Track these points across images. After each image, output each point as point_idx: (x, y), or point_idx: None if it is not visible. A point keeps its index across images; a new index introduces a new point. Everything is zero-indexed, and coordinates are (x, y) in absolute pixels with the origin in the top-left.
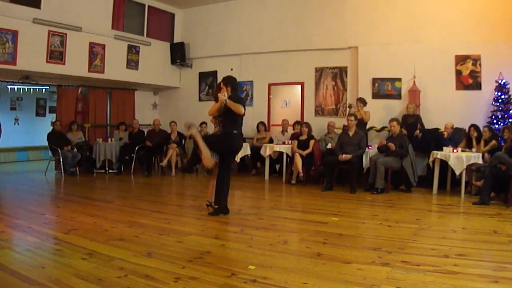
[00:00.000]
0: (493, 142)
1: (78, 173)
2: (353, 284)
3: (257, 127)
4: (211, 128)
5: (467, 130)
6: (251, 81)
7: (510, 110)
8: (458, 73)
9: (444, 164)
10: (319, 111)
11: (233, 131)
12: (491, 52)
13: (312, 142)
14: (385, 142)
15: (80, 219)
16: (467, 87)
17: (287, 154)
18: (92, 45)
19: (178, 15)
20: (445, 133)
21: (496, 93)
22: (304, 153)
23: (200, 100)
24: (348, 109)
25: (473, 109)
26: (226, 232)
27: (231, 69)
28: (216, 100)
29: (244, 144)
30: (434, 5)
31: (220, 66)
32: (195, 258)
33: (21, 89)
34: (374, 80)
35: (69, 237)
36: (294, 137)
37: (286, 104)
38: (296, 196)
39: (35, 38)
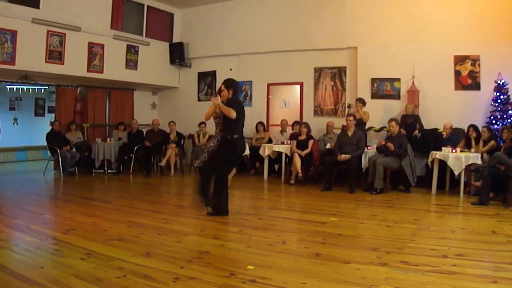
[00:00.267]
0: (492, 142)
1: (77, 173)
2: (351, 284)
3: (256, 127)
4: (210, 129)
5: (466, 131)
6: (250, 81)
7: (509, 110)
8: (457, 73)
9: (443, 164)
10: (318, 111)
11: (233, 136)
12: (490, 52)
13: (311, 142)
14: (384, 142)
15: (79, 219)
16: (466, 87)
17: (286, 154)
18: (91, 45)
19: (177, 15)
20: (444, 133)
21: (495, 93)
22: (303, 153)
23: (199, 100)
24: (347, 109)
25: (472, 110)
26: (225, 232)
27: (230, 69)
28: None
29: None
30: (433, 5)
31: (219, 66)
32: (194, 258)
33: (20, 89)
34: (373, 80)
35: (68, 237)
36: (293, 137)
37: (285, 104)
38: (295, 196)
39: (34, 38)
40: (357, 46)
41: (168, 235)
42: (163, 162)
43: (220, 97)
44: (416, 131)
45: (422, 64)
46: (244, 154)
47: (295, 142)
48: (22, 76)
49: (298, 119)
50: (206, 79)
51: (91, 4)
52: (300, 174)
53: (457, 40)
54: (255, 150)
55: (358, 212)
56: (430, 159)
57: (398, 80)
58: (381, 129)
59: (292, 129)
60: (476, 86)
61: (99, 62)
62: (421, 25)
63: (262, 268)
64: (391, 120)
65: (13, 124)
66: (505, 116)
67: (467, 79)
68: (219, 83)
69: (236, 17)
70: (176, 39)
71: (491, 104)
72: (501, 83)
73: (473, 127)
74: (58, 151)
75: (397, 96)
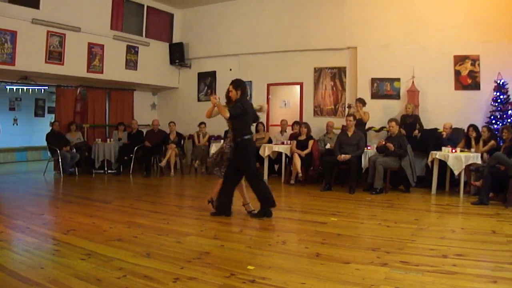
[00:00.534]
0: (492, 142)
1: (77, 173)
2: (351, 284)
3: (256, 127)
4: (209, 129)
5: (466, 130)
6: (250, 81)
7: (509, 110)
8: (457, 73)
9: (443, 164)
10: (318, 111)
11: (243, 137)
12: (490, 52)
13: (311, 142)
14: (384, 142)
15: (79, 220)
16: (466, 87)
17: (286, 154)
18: (91, 46)
19: (177, 16)
20: (444, 133)
21: (495, 93)
22: (303, 153)
23: (199, 100)
24: (347, 109)
25: (472, 109)
26: (225, 232)
27: (230, 70)
28: (228, 100)
29: None
30: (433, 5)
31: (219, 67)
32: (194, 258)
33: (20, 90)
34: (373, 80)
35: (68, 237)
36: (293, 137)
37: (285, 104)
38: (295, 196)
39: (34, 38)
40: (357, 46)
41: (168, 236)
42: (163, 163)
43: (228, 97)
44: (416, 131)
45: (422, 64)
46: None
47: (295, 142)
48: (22, 76)
49: (298, 119)
50: (206, 79)
51: (91, 4)
52: (300, 174)
53: (457, 40)
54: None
55: (358, 212)
56: (430, 159)
57: (398, 80)
58: (381, 129)
59: (292, 129)
60: (476, 86)
61: (99, 63)
62: (421, 25)
63: (262, 268)
64: (391, 120)
65: (13, 124)
66: (505, 116)
67: (467, 79)
68: (219, 84)
69: (236, 17)
70: (176, 39)
71: (491, 104)
72: (501, 83)
73: (473, 127)
74: (58, 151)
75: (397, 96)
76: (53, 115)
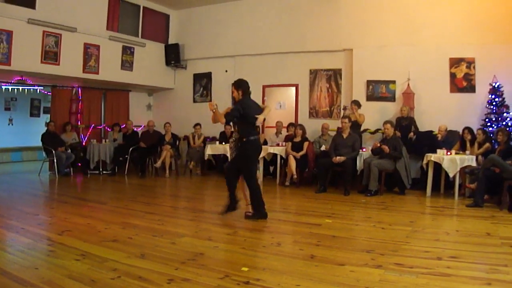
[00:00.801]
0: (487, 144)
1: (72, 174)
2: (346, 286)
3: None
4: (204, 130)
5: (461, 133)
6: None
7: (504, 113)
8: (452, 75)
9: (438, 167)
10: (313, 113)
11: (249, 138)
12: (485, 55)
13: (306, 144)
14: (379, 145)
15: (74, 220)
16: (461, 89)
17: (281, 156)
18: (86, 46)
19: (173, 17)
20: (439, 135)
21: (490, 96)
22: (298, 155)
23: (194, 101)
24: (342, 111)
25: (467, 112)
26: (219, 233)
27: (226, 71)
28: (234, 101)
29: None
30: (429, 7)
31: (214, 68)
32: (188, 259)
33: (16, 90)
34: (369, 82)
35: (63, 238)
36: (288, 139)
37: (281, 106)
38: (290, 198)
39: (30, 38)
40: (353, 48)
41: (162, 237)
42: (158, 164)
43: (233, 98)
44: (411, 134)
45: (418, 67)
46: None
47: (290, 144)
48: (18, 76)
49: (293, 121)
50: (202, 80)
51: (87, 5)
52: (295, 176)
53: (453, 42)
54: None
55: (352, 214)
56: (425, 161)
57: (393, 82)
58: (376, 131)
59: (287, 131)
60: (471, 88)
61: (95, 63)
62: (417, 27)
63: (256, 269)
64: (386, 122)
65: (9, 124)
66: (500, 118)
67: (462, 81)
68: (214, 85)
69: (231, 18)
70: (171, 40)
71: (486, 107)
72: (496, 86)
73: (468, 129)
74: (53, 152)
75: (392, 98)
76: (48, 115)
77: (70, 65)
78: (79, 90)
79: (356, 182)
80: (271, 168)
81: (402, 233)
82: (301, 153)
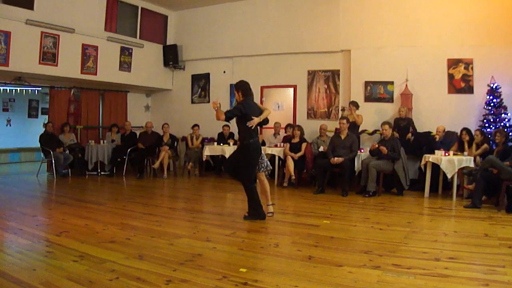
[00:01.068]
0: (485, 145)
1: (70, 175)
2: (344, 287)
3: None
4: (203, 131)
5: (459, 134)
6: None
7: (502, 114)
8: (450, 76)
9: (436, 168)
10: (312, 114)
11: (249, 141)
12: (483, 56)
13: (304, 145)
14: (377, 145)
15: (72, 221)
16: (459, 90)
17: (279, 157)
18: (85, 47)
19: (171, 17)
20: (437, 136)
21: (488, 96)
22: (296, 156)
23: (192, 102)
24: (341, 112)
25: (465, 113)
26: (217, 234)
27: (224, 72)
28: (238, 103)
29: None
30: (427, 9)
31: (212, 69)
32: (187, 260)
33: (14, 90)
34: (367, 83)
35: (61, 239)
36: (286, 140)
37: (279, 107)
38: (288, 199)
39: (28, 39)
40: (351, 49)
41: (160, 238)
42: (156, 165)
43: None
44: (409, 134)
45: (416, 68)
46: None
47: (288, 145)
48: (16, 77)
49: (291, 122)
50: (200, 81)
51: (85, 5)
52: (293, 177)
53: (451, 43)
54: None
55: (350, 215)
56: (423, 162)
57: (392, 83)
58: (374, 132)
59: (285, 132)
60: (469, 89)
61: (93, 64)
62: (415, 28)
63: (254, 271)
64: (384, 123)
65: (7, 125)
66: (498, 119)
67: (460, 82)
68: (212, 86)
69: (230, 19)
70: (170, 41)
71: (484, 108)
72: (494, 87)
73: (466, 130)
74: (51, 153)
75: (390, 99)
76: (46, 116)
77: (68, 66)
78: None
79: (354, 183)
80: None
81: (400, 234)
82: (299, 154)
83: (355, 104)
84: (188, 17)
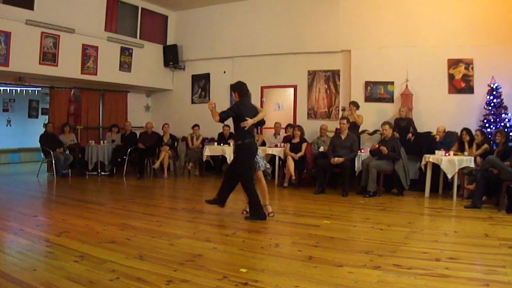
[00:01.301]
0: (485, 145)
1: (70, 175)
2: (344, 287)
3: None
4: (203, 131)
5: (459, 134)
6: None
7: (502, 114)
8: (451, 77)
9: (436, 168)
10: (312, 114)
11: (244, 141)
12: (484, 56)
13: (304, 145)
14: (377, 146)
15: (72, 222)
16: (459, 91)
17: (279, 157)
18: (85, 47)
19: (171, 18)
20: (437, 136)
21: (488, 97)
22: (297, 156)
23: (192, 102)
24: (341, 112)
25: (465, 113)
26: (217, 235)
27: (224, 72)
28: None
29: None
30: (427, 9)
31: (213, 69)
32: (187, 261)
33: (14, 91)
34: (367, 83)
35: (61, 239)
36: (286, 140)
37: (279, 107)
38: (288, 199)
39: (28, 39)
40: (351, 49)
41: (161, 238)
42: (156, 165)
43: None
44: (410, 135)
45: (416, 68)
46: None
47: (288, 145)
48: (16, 77)
49: (291, 122)
50: (200, 81)
51: (85, 6)
52: (293, 177)
53: (451, 43)
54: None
55: (351, 215)
56: (423, 163)
57: (392, 83)
58: (375, 132)
59: (286, 132)
60: (469, 89)
61: (93, 64)
62: (415, 28)
63: (254, 271)
64: (384, 123)
65: (7, 125)
66: (498, 119)
67: (460, 82)
68: (212, 86)
69: (230, 20)
70: (170, 41)
71: (485, 108)
72: (494, 87)
73: (466, 130)
74: (52, 153)
75: (390, 100)
76: (46, 117)
77: (68, 66)
78: (77, 91)
79: (354, 183)
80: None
81: (401, 234)
82: (299, 154)
83: (355, 104)
84: (188, 17)
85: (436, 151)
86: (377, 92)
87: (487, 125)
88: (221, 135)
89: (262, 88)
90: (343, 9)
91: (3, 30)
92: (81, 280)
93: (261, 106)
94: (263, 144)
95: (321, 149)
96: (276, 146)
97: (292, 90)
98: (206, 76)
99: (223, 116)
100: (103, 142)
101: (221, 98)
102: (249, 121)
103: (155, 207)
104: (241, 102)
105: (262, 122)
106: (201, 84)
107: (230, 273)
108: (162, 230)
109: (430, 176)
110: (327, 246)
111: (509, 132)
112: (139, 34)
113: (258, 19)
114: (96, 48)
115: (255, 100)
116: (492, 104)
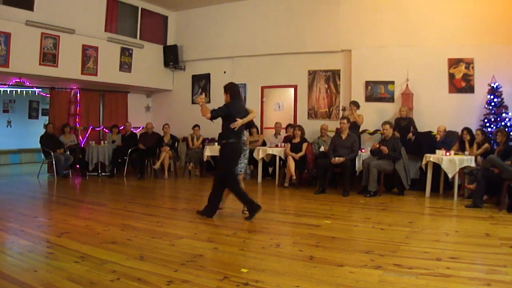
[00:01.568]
0: (486, 145)
1: (70, 176)
2: (345, 287)
3: (250, 130)
4: (203, 132)
5: (460, 133)
6: (244, 84)
7: (503, 113)
8: (451, 76)
9: (437, 167)
10: (312, 114)
11: (228, 140)
12: (484, 55)
13: (305, 145)
14: (378, 145)
15: (73, 222)
16: (460, 90)
17: (280, 157)
18: (85, 48)
19: (171, 18)
20: (438, 136)
21: (489, 96)
22: (297, 156)
23: (193, 102)
24: (341, 112)
25: (466, 112)
26: (218, 235)
27: (224, 72)
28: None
29: None
30: (427, 8)
31: (213, 69)
32: (188, 261)
33: (14, 92)
34: (367, 83)
35: (62, 240)
36: (287, 140)
37: (279, 107)
38: (289, 199)
39: (28, 40)
40: (351, 49)
41: (161, 238)
42: (157, 165)
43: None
44: (410, 134)
45: (416, 67)
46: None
47: (289, 145)
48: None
49: (292, 122)
50: (200, 81)
51: (85, 6)
52: (294, 177)
53: (451, 43)
54: (249, 153)
55: (352, 215)
56: (424, 162)
57: (392, 83)
58: (375, 132)
59: (286, 132)
60: (470, 89)
61: (93, 65)
62: (415, 28)
63: (255, 271)
64: (385, 123)
65: (7, 126)
66: (498, 119)
67: (461, 82)
68: (213, 86)
69: (230, 20)
70: (170, 41)
71: (485, 107)
72: (495, 86)
73: (467, 130)
74: (52, 154)
75: (391, 99)
76: (47, 117)
77: (69, 67)
78: (78, 91)
79: (355, 183)
80: (270, 169)
81: (402, 234)
82: (300, 154)
83: (355, 104)
84: (188, 18)
85: (437, 151)
86: (377, 91)
87: (487, 124)
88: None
89: (263, 88)
90: (343, 9)
91: (3, 31)
92: (82, 280)
93: (262, 106)
94: (264, 144)
95: (322, 149)
96: (277, 146)
97: (292, 90)
98: (207, 76)
99: (214, 114)
100: (104, 143)
101: (222, 98)
102: (239, 122)
103: (156, 208)
104: (231, 103)
105: (252, 125)
106: (201, 84)
107: (231, 273)
108: (163, 231)
109: (431, 176)
110: (328, 246)
111: (510, 132)
112: (139, 35)
113: (258, 19)
114: (96, 49)
115: (255, 100)
116: (492, 104)
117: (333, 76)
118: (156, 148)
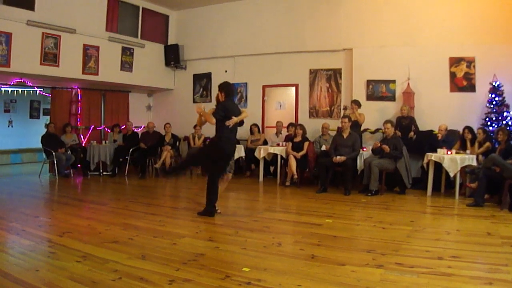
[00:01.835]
0: (487, 144)
1: (72, 175)
2: (347, 286)
3: (251, 129)
4: (205, 131)
5: (461, 132)
6: (246, 83)
7: (504, 112)
8: (452, 75)
9: (438, 166)
10: (314, 113)
11: (220, 138)
12: (485, 54)
13: (306, 144)
14: (379, 144)
15: (74, 222)
16: (461, 89)
17: (281, 156)
18: (86, 47)
19: (172, 17)
20: (439, 135)
21: (490, 95)
22: (299, 155)
23: (194, 102)
24: (343, 110)
25: (467, 111)
26: (220, 234)
27: (225, 71)
28: (218, 102)
29: (238, 146)
30: (429, 7)
31: (214, 68)
32: (189, 260)
33: (15, 91)
34: (369, 82)
35: (63, 239)
36: (288, 139)
37: (281, 106)
38: (290, 198)
39: (29, 40)
40: (352, 48)
41: (163, 238)
42: (158, 164)
43: (217, 100)
44: (412, 133)
45: (417, 66)
46: (238, 156)
47: (290, 144)
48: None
49: (293, 121)
50: (201, 81)
51: (86, 6)
52: (295, 176)
53: (452, 42)
54: (250, 152)
55: (353, 214)
56: (425, 161)
57: (394, 82)
58: (377, 130)
59: (287, 131)
60: (471, 87)
61: (94, 64)
62: (416, 27)
63: (257, 270)
64: (386, 122)
65: (8, 126)
66: (500, 117)
67: (462, 80)
68: (214, 85)
69: (231, 19)
70: (171, 41)
71: (486, 106)
72: (496, 85)
73: (468, 128)
74: (53, 153)
75: (392, 98)
76: (48, 117)
77: (70, 66)
78: (79, 91)
79: (356, 182)
80: (272, 168)
81: (403, 233)
82: (301, 153)
83: (357, 103)
84: (189, 17)
85: (438, 150)
86: (378, 90)
87: (489, 123)
88: None
89: (264, 87)
90: (344, 8)
91: (4, 31)
92: (84, 280)
93: (263, 105)
94: (265, 143)
95: (323, 148)
96: (278, 145)
97: (293, 89)
98: (208, 76)
99: (217, 117)
100: (105, 142)
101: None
102: (234, 119)
103: (157, 207)
104: (226, 102)
105: (241, 123)
106: (202, 84)
107: (232, 272)
108: (165, 230)
109: (432, 175)
110: (330, 245)
111: (511, 130)
112: (140, 34)
113: (260, 18)
114: (97, 48)
115: (256, 99)
116: (494, 102)
117: (334, 75)
118: (157, 147)
